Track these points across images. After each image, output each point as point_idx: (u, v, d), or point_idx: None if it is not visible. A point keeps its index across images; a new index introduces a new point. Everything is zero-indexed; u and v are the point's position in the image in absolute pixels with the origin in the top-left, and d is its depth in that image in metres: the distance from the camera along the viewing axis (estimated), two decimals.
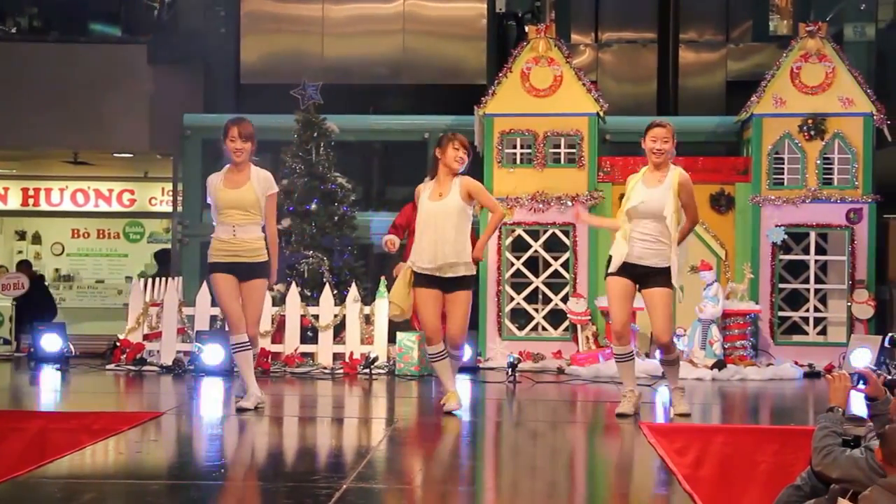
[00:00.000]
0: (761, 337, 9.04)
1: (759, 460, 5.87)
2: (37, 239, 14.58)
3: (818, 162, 9.09)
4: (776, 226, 9.07)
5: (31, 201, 14.37)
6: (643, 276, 6.34)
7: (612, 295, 6.44)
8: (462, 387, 8.02)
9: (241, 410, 6.45)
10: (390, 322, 8.57)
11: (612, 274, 6.39)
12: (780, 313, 9.16)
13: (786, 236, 9.10)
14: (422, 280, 6.49)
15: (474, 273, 6.54)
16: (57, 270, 14.51)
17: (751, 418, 7.07)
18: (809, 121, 9.07)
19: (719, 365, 8.44)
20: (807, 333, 9.19)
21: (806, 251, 9.20)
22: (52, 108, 11.43)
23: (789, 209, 9.09)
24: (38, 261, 14.45)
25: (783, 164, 9.14)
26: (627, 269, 6.35)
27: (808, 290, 9.19)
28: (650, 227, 6.29)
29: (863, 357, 8.63)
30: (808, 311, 9.18)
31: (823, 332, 9.21)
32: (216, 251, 6.52)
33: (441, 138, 6.59)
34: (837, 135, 9.07)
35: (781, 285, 9.17)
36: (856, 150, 9.05)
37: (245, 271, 6.48)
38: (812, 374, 8.74)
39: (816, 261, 9.19)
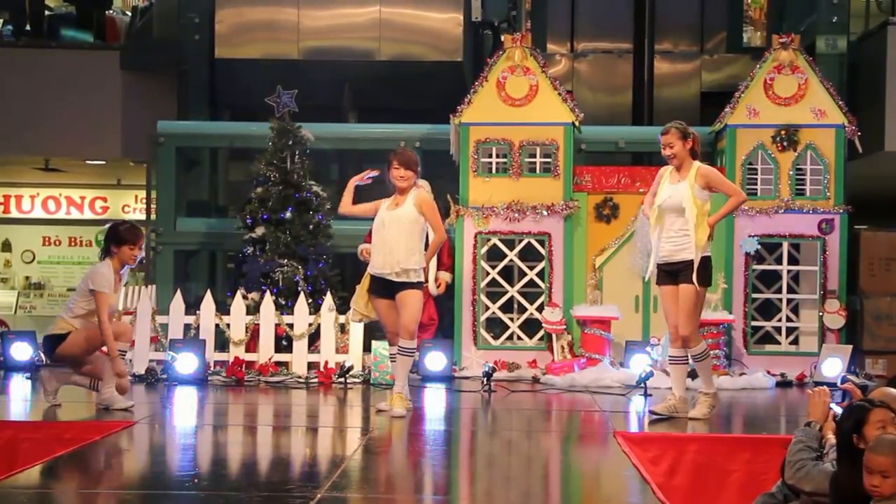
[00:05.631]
0: (734, 346, 9.10)
1: (731, 469, 5.91)
2: (7, 247, 14.44)
3: (791, 173, 9.16)
4: (749, 236, 9.13)
5: (1, 208, 14.23)
6: (677, 273, 6.73)
7: (663, 301, 6.95)
8: (437, 396, 8.04)
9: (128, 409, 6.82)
10: (365, 331, 8.57)
11: (658, 283, 6.89)
12: (753, 323, 9.21)
13: (759, 246, 9.16)
14: (376, 287, 6.98)
15: (422, 280, 6.98)
16: (27, 278, 14.38)
17: (723, 427, 7.10)
18: (782, 132, 9.15)
19: (692, 374, 8.46)
20: (779, 343, 9.25)
21: (779, 261, 9.27)
22: (23, 115, 11.34)
23: (762, 219, 9.16)
24: (9, 269, 14.32)
25: (756, 174, 9.21)
26: (666, 272, 6.78)
27: (780, 299, 9.26)
28: (676, 224, 6.70)
29: (834, 366, 8.73)
30: (780, 320, 9.24)
31: (795, 341, 9.27)
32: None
33: (388, 158, 7.03)
34: (810, 146, 9.15)
35: (754, 295, 9.22)
36: (828, 162, 9.14)
37: None
38: (784, 384, 8.80)
39: (789, 271, 9.25)
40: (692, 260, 6.64)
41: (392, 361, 7.21)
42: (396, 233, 6.85)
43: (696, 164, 6.81)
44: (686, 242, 6.66)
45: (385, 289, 6.92)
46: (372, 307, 7.07)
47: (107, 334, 6.70)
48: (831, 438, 4.50)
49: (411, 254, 6.86)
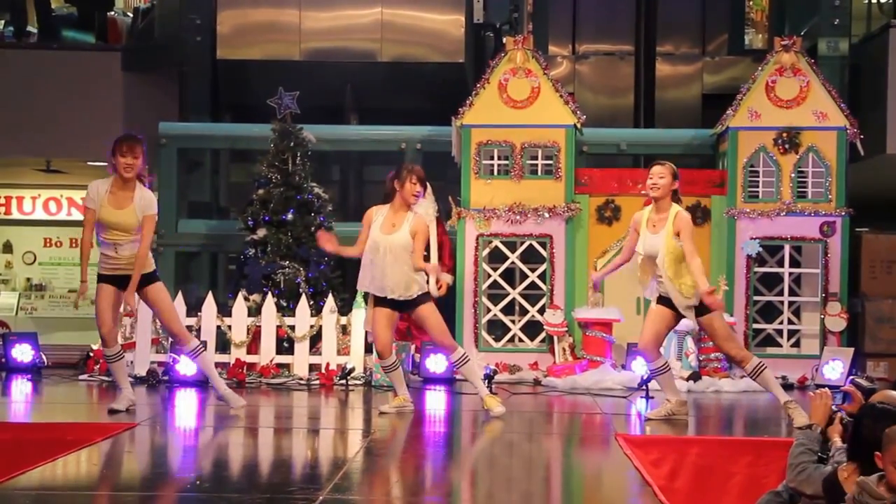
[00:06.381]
0: None
1: (733, 471, 5.91)
2: (8, 248, 14.42)
3: (792, 175, 9.17)
4: (751, 238, 9.13)
5: (2, 210, 14.21)
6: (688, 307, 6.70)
7: (647, 315, 6.92)
8: (438, 397, 8.03)
9: (113, 412, 6.71)
10: (367, 332, 8.56)
11: (657, 301, 6.82)
12: (755, 325, 9.21)
13: (760, 249, 9.16)
14: (380, 298, 6.93)
15: (427, 289, 6.95)
16: (29, 280, 14.37)
17: (725, 430, 7.10)
18: (784, 134, 9.15)
19: (694, 377, 8.48)
20: (781, 346, 9.25)
21: (780, 264, 9.27)
22: (24, 116, 11.32)
23: (764, 222, 9.16)
24: (10, 270, 14.30)
25: (758, 177, 9.21)
26: (665, 299, 6.73)
27: (781, 302, 9.25)
28: (661, 270, 6.65)
29: (835, 369, 8.73)
30: (781, 323, 9.24)
31: (797, 344, 9.27)
32: (102, 264, 6.80)
33: (400, 171, 6.99)
34: (811, 148, 9.15)
35: (756, 297, 9.22)
36: (829, 164, 9.14)
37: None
38: (785, 387, 8.75)
39: (790, 273, 9.25)
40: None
41: (388, 372, 7.17)
42: (391, 260, 6.82)
43: (675, 209, 6.70)
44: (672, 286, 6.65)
45: (388, 302, 6.91)
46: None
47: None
48: (837, 441, 4.49)
49: (410, 277, 6.85)
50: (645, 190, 6.90)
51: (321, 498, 4.50)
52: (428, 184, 8.10)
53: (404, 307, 6.93)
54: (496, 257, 9.33)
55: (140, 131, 8.43)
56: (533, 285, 9.28)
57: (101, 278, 6.79)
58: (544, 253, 9.24)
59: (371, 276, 6.87)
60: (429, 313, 6.93)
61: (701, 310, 6.60)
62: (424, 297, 6.91)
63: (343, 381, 8.30)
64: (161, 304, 6.90)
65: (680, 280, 6.59)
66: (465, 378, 7.40)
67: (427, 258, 7.45)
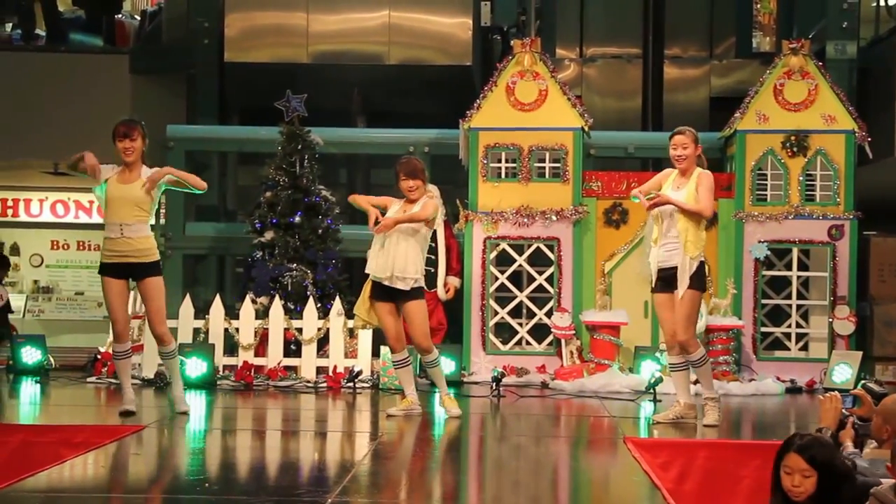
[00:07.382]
0: (744, 352, 9.08)
1: (742, 475, 5.88)
2: (15, 250, 14.44)
3: (801, 178, 9.15)
4: (759, 242, 9.12)
5: (9, 212, 14.24)
6: (672, 278, 6.65)
7: (657, 309, 6.87)
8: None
9: (125, 414, 6.72)
10: (374, 335, 8.56)
11: (653, 290, 6.80)
12: (763, 329, 9.19)
13: (768, 252, 9.14)
14: (377, 292, 7.00)
15: (422, 286, 6.99)
16: (36, 282, 14.40)
17: (733, 433, 7.08)
18: (792, 137, 9.14)
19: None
20: (789, 349, 9.23)
21: (788, 267, 9.25)
22: (32, 118, 11.35)
23: (772, 225, 9.14)
24: (17, 272, 14.33)
25: (766, 180, 9.20)
26: (662, 279, 6.69)
27: (790, 305, 9.24)
28: (672, 230, 6.62)
29: (843, 373, 8.71)
30: (790, 326, 9.22)
31: (805, 347, 9.25)
32: (105, 252, 6.71)
33: (394, 171, 7.07)
34: (820, 152, 9.14)
35: (764, 301, 9.20)
36: (838, 167, 9.12)
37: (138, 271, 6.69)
38: (794, 390, 8.77)
39: (798, 277, 9.24)
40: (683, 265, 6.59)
41: (398, 368, 7.21)
42: (397, 239, 6.87)
43: (699, 170, 6.73)
44: (679, 248, 6.61)
45: (385, 293, 6.95)
46: (374, 313, 7.07)
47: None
48: (849, 446, 4.48)
49: (410, 262, 6.89)
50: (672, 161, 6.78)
51: (329, 501, 4.49)
52: (435, 187, 8.11)
53: (398, 298, 6.92)
54: (504, 260, 9.32)
55: (148, 134, 8.50)
56: (540, 288, 9.27)
57: (105, 270, 6.66)
58: (552, 256, 9.23)
59: (377, 263, 6.92)
60: (416, 310, 6.94)
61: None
62: (417, 291, 6.94)
63: (350, 384, 8.29)
64: (154, 300, 6.74)
65: (690, 234, 6.52)
66: (430, 379, 7.41)
67: (434, 259, 7.45)
